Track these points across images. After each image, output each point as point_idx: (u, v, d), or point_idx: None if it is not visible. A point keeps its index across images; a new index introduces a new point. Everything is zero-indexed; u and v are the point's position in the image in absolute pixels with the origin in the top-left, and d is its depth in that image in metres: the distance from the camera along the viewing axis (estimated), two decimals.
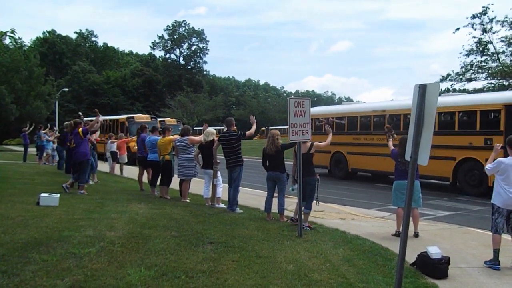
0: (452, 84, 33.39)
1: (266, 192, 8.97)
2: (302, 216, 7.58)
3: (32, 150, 23.93)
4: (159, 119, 36.78)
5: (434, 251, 5.74)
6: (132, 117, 28.56)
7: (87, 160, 11.01)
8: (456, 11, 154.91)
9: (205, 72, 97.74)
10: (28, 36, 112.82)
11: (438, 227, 9.12)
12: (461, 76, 32.10)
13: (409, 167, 4.10)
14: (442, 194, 14.03)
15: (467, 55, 31.60)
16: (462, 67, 31.93)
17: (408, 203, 4.13)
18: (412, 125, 4.08)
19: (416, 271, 5.73)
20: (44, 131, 21.02)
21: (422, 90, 4.00)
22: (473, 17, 30.49)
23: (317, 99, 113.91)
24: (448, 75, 32.81)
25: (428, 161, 4.00)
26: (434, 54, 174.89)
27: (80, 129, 10.84)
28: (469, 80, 32.11)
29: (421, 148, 4.00)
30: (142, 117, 28.88)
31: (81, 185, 10.81)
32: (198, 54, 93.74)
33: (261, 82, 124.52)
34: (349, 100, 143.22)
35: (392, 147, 8.52)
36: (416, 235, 7.79)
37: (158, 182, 11.53)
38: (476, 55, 31.56)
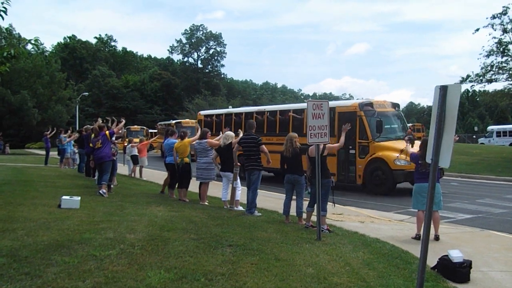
0: (472, 85, 32.84)
1: (284, 195, 8.94)
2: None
3: (53, 153, 24.30)
4: (174, 121, 36.86)
5: (456, 255, 5.66)
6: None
7: (109, 161, 11.27)
8: (474, 12, 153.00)
9: (222, 75, 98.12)
10: (49, 41, 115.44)
11: (459, 230, 8.99)
12: (481, 77, 31.58)
13: (430, 169, 4.05)
14: (462, 197, 13.83)
15: (487, 56, 31.09)
16: (482, 68, 31.43)
17: (429, 205, 4.08)
18: (433, 127, 4.03)
19: (437, 275, 5.65)
20: (64, 135, 21.32)
21: (443, 91, 3.95)
22: (493, 17, 29.99)
23: None
24: (468, 76, 32.31)
25: (449, 164, 3.95)
26: (452, 55, 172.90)
27: (107, 132, 11.22)
28: (490, 81, 31.57)
29: (443, 150, 3.95)
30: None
31: (102, 184, 11.01)
32: (215, 58, 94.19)
33: (279, 85, 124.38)
34: None
35: (412, 151, 8.43)
36: (436, 238, 7.69)
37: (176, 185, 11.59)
38: (496, 56, 31.05)
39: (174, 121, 36.59)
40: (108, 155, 11.21)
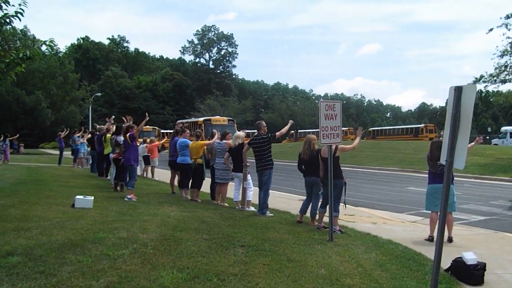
0: (486, 85, 32.47)
1: (296, 195, 8.91)
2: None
3: (67, 153, 24.52)
4: (202, 118, 34.21)
5: (470, 257, 5.61)
6: None
7: (130, 166, 10.83)
8: (487, 12, 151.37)
9: (234, 76, 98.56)
10: (63, 42, 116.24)
11: (473, 232, 8.91)
12: (495, 78, 31.23)
13: (445, 170, 4.02)
14: (476, 199, 13.70)
15: (501, 56, 30.75)
16: (496, 68, 31.09)
17: (444, 207, 4.05)
18: (447, 128, 4.00)
19: (450, 277, 5.60)
20: (78, 135, 21.49)
21: (457, 92, 3.91)
22: (507, 17, 29.64)
23: (346, 102, 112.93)
24: (482, 76, 31.96)
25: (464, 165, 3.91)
26: (465, 55, 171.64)
27: (127, 135, 10.78)
28: (503, 81, 31.21)
29: (457, 152, 3.91)
30: None
31: (128, 189, 10.71)
32: (227, 58, 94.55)
33: (290, 86, 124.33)
34: (378, 102, 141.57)
35: None
36: (450, 240, 7.62)
37: (189, 185, 11.59)
38: (510, 56, 30.67)
39: (202, 119, 33.58)
40: (127, 160, 10.77)
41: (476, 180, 20.04)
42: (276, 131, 10.00)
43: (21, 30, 57.10)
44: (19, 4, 7.73)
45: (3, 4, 7.63)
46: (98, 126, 16.89)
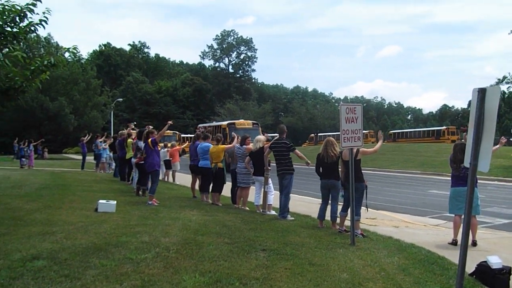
0: (509, 86, 31.96)
1: (317, 199, 8.87)
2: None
3: (89, 158, 24.87)
4: (227, 122, 34.02)
5: (495, 261, 5.52)
6: None
7: (154, 171, 10.86)
8: (508, 12, 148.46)
9: (253, 80, 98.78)
10: (85, 49, 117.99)
11: (497, 236, 8.75)
12: None
13: (469, 173, 3.96)
14: (500, 202, 13.45)
15: None
16: None
17: (468, 210, 4.00)
18: (471, 131, 3.94)
19: (475, 282, 5.51)
20: (100, 140, 21.76)
21: (481, 94, 3.85)
22: None
23: (366, 105, 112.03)
24: (504, 77, 31.49)
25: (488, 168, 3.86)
26: (487, 56, 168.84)
27: (149, 140, 10.73)
28: None
29: (482, 155, 3.85)
30: None
31: (149, 195, 10.75)
32: (246, 62, 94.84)
33: (309, 89, 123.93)
34: (399, 105, 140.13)
35: None
36: (474, 243, 7.50)
37: (209, 189, 11.64)
38: None
39: (226, 122, 32.98)
40: (151, 165, 10.75)
41: (499, 183, 19.69)
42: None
43: (45, 38, 58.34)
44: (43, 13, 7.92)
45: (28, 13, 7.82)
46: (120, 131, 17.06)
